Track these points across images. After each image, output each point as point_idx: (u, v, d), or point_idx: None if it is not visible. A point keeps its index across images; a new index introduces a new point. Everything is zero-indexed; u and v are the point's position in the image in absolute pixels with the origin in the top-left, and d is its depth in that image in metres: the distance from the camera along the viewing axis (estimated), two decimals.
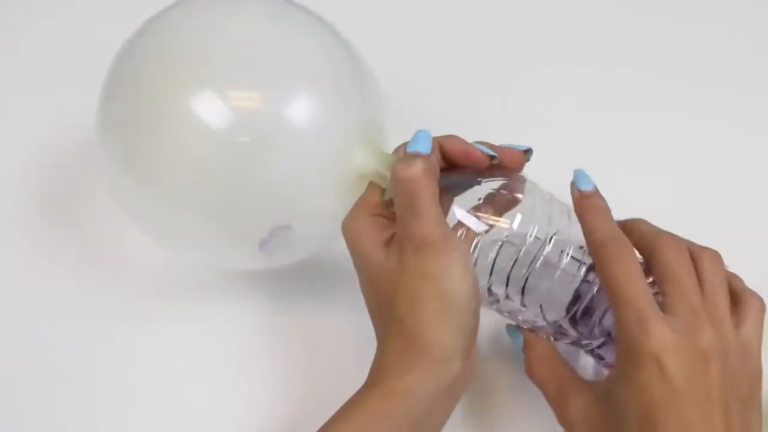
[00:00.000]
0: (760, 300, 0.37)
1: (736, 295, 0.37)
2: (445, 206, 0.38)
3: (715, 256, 0.37)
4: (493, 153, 0.40)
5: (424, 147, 0.38)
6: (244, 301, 0.49)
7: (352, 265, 0.40)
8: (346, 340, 0.47)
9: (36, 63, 0.62)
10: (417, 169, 0.36)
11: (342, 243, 0.40)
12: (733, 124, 0.59)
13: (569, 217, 0.40)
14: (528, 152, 0.41)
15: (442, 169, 0.39)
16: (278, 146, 0.39)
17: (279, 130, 0.39)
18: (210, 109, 0.38)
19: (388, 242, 0.38)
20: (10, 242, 0.52)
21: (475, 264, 0.39)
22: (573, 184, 0.39)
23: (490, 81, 0.61)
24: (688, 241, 0.38)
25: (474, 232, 0.39)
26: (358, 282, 0.40)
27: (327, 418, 0.37)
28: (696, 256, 0.37)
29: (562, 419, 0.39)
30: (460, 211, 0.39)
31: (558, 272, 0.39)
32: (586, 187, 0.38)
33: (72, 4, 0.65)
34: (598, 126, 0.59)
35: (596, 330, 0.39)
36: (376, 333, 0.39)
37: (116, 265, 0.51)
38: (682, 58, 0.63)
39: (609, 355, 0.40)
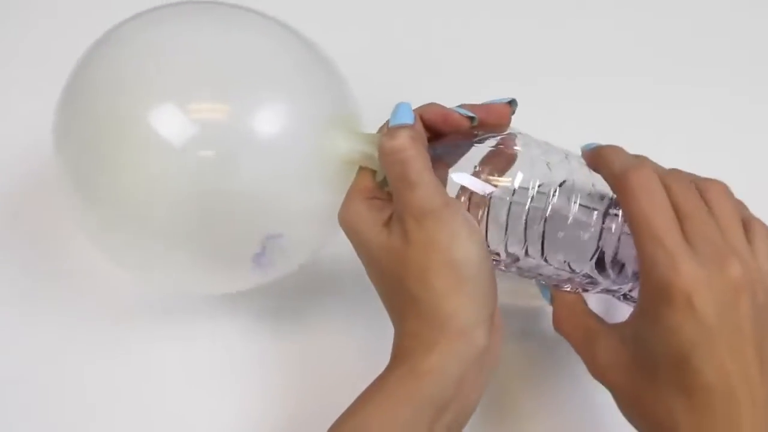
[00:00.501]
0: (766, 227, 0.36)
1: (745, 224, 0.36)
2: (440, 178, 0.37)
3: (723, 186, 0.36)
4: (471, 114, 0.39)
5: (407, 118, 0.37)
6: (229, 320, 0.48)
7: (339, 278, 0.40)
8: (341, 354, 0.46)
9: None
10: (403, 137, 0.35)
11: (329, 251, 0.39)
12: (736, 131, 0.59)
13: (571, 163, 0.39)
14: (512, 103, 0.40)
15: (428, 140, 0.38)
16: (249, 155, 0.37)
17: (247, 139, 0.37)
18: (172, 123, 0.36)
19: (388, 222, 0.37)
20: None
21: (487, 228, 0.38)
22: (583, 151, 0.38)
23: (488, 85, 0.59)
24: (690, 174, 0.37)
25: (479, 195, 0.37)
26: (340, 297, 0.40)
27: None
28: (703, 187, 0.36)
29: (593, 370, 0.37)
30: (459, 176, 0.38)
31: (570, 221, 0.37)
32: (592, 145, 0.38)
33: (27, 20, 0.64)
34: (599, 129, 0.57)
35: (627, 272, 0.38)
36: (391, 318, 0.38)
37: (95, 286, 0.49)
38: (686, 59, 0.63)
39: None
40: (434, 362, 0.34)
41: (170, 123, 0.36)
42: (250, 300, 0.48)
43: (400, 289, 0.36)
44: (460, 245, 0.34)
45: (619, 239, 0.37)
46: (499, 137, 0.39)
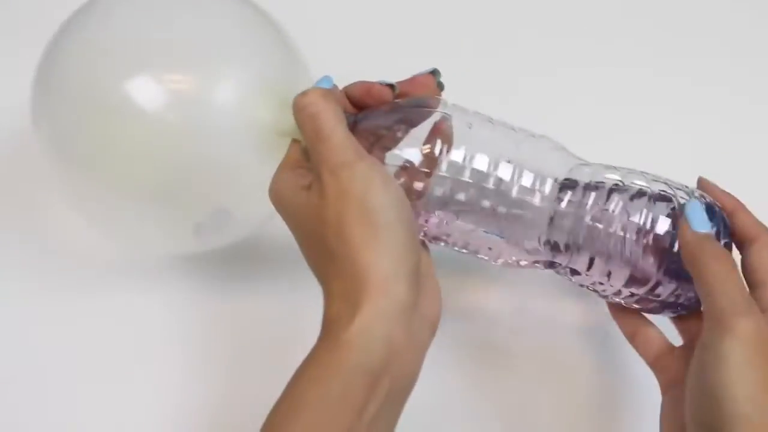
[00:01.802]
0: None
1: None
2: (376, 154, 0.38)
3: None
4: (390, 82, 0.40)
5: (324, 83, 0.38)
6: (178, 285, 0.50)
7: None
8: (283, 324, 0.48)
9: None
10: (313, 92, 0.37)
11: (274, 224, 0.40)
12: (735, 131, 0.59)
13: (517, 135, 0.40)
14: (434, 73, 0.41)
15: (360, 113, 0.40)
16: (198, 127, 0.40)
17: (200, 111, 0.40)
18: (139, 91, 0.39)
19: (310, 186, 0.37)
20: None
21: (429, 203, 0.38)
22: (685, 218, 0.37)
23: (489, 81, 0.60)
24: None
25: (421, 170, 0.38)
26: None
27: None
28: None
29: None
30: (408, 151, 0.38)
31: (513, 199, 0.38)
32: (700, 229, 0.37)
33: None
34: (601, 127, 0.58)
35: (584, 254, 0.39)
36: (319, 283, 0.37)
37: (56, 250, 0.52)
38: (689, 58, 0.63)
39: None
40: (358, 327, 0.33)
41: (140, 92, 0.39)
42: (203, 264, 0.50)
43: (321, 248, 0.35)
44: (374, 193, 0.34)
45: (581, 225, 0.38)
46: (436, 112, 0.39)
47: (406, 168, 0.38)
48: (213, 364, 0.48)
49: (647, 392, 0.42)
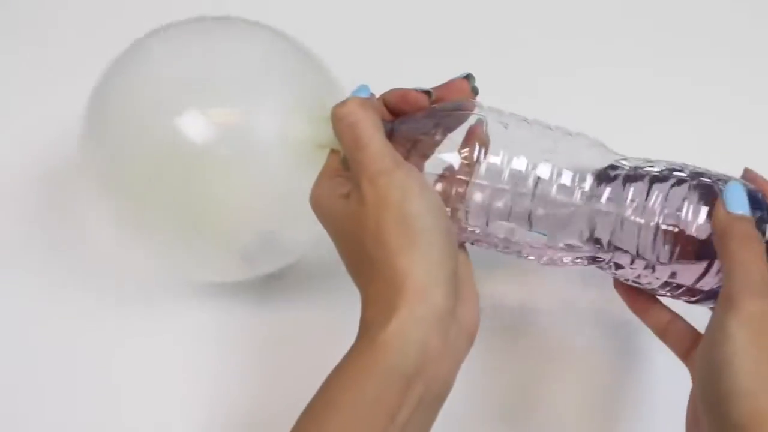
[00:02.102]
0: None
1: None
2: (414, 160, 0.38)
3: None
4: (426, 89, 0.40)
5: (362, 93, 0.39)
6: (222, 304, 0.51)
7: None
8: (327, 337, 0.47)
9: (28, 75, 0.64)
10: (351, 102, 0.37)
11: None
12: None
13: (554, 134, 0.40)
14: (469, 78, 0.41)
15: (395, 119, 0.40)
16: (242, 155, 0.41)
17: (243, 138, 0.41)
18: (188, 125, 0.41)
19: (348, 194, 0.37)
20: None
21: (469, 207, 0.38)
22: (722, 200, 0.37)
23: (489, 81, 0.60)
24: None
25: (461, 175, 0.38)
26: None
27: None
28: None
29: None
30: (448, 155, 0.39)
31: (551, 200, 0.38)
32: (734, 209, 0.36)
33: (57, 23, 0.67)
34: (601, 127, 0.57)
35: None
36: (358, 289, 0.37)
37: (99, 267, 0.53)
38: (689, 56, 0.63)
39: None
40: (393, 330, 0.33)
41: (187, 127, 0.41)
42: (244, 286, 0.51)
43: (360, 254, 0.36)
44: (411, 200, 0.35)
45: (621, 224, 0.38)
46: (472, 114, 0.40)
47: (445, 173, 0.39)
48: (241, 374, 0.48)
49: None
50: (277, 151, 0.41)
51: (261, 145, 0.41)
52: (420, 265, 0.34)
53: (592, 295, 0.51)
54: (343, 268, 0.38)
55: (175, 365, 0.49)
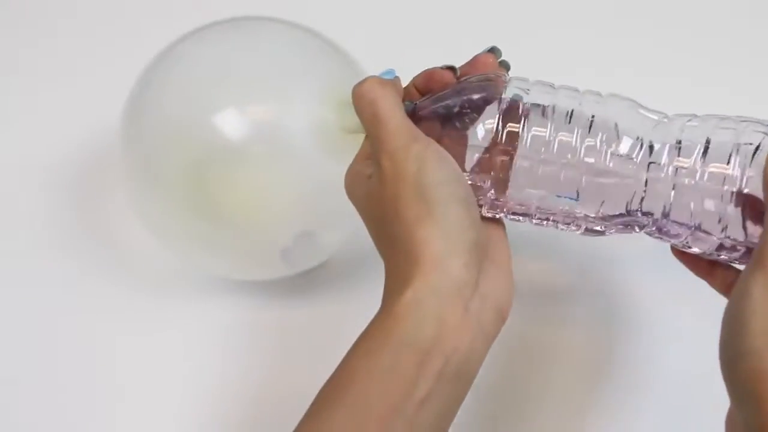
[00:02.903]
0: None
1: None
2: (446, 135, 0.37)
3: None
4: (451, 65, 0.40)
5: (386, 76, 0.39)
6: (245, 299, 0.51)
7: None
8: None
9: (63, 82, 0.65)
10: (370, 80, 0.37)
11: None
12: None
13: (591, 97, 0.38)
14: (494, 51, 0.40)
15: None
16: (277, 150, 0.42)
17: (278, 135, 0.42)
18: (227, 123, 0.42)
19: (371, 175, 0.37)
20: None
21: (513, 177, 0.37)
22: None
23: None
24: None
25: (503, 145, 0.36)
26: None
27: None
28: None
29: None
30: (488, 122, 0.37)
31: (604, 169, 0.36)
32: None
33: (93, 31, 0.69)
34: None
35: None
36: (384, 263, 0.37)
37: (122, 263, 0.53)
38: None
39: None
40: (408, 300, 0.33)
41: (227, 125, 0.42)
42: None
43: (383, 231, 0.36)
44: (426, 172, 0.34)
45: (672, 186, 0.36)
46: (507, 86, 0.38)
47: (487, 146, 0.37)
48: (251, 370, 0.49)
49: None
50: (309, 143, 0.42)
51: (293, 139, 0.42)
52: (436, 236, 0.33)
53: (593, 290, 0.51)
54: (360, 267, 0.38)
55: (198, 359, 0.49)
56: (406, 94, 0.40)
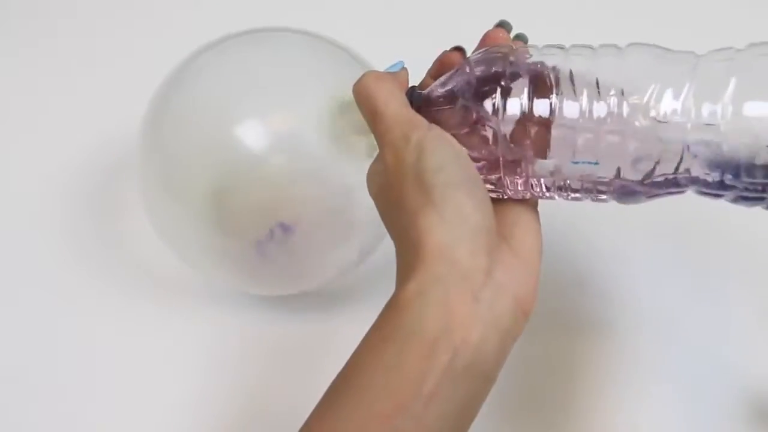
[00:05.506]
0: None
1: None
2: (460, 113, 0.35)
3: None
4: (458, 45, 0.39)
5: (394, 68, 0.39)
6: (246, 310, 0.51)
7: None
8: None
9: (84, 86, 0.66)
10: (366, 76, 0.37)
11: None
12: None
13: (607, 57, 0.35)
14: (503, 24, 0.39)
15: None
16: (297, 158, 0.43)
17: (297, 144, 0.43)
18: (244, 134, 0.43)
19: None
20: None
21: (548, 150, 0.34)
22: None
23: None
24: None
25: (539, 117, 0.34)
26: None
27: None
28: None
29: None
30: (513, 103, 0.34)
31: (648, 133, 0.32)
32: None
33: (119, 29, 0.70)
34: None
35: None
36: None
37: (131, 268, 0.54)
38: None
39: None
40: (411, 290, 0.31)
41: (246, 135, 0.43)
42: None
43: (392, 223, 0.35)
44: (425, 158, 0.33)
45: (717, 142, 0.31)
46: (531, 57, 0.35)
47: (521, 120, 0.34)
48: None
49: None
50: (327, 150, 0.42)
51: (310, 146, 0.42)
52: (437, 223, 0.32)
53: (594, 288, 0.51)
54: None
55: (200, 366, 0.49)
56: (425, 87, 0.39)
